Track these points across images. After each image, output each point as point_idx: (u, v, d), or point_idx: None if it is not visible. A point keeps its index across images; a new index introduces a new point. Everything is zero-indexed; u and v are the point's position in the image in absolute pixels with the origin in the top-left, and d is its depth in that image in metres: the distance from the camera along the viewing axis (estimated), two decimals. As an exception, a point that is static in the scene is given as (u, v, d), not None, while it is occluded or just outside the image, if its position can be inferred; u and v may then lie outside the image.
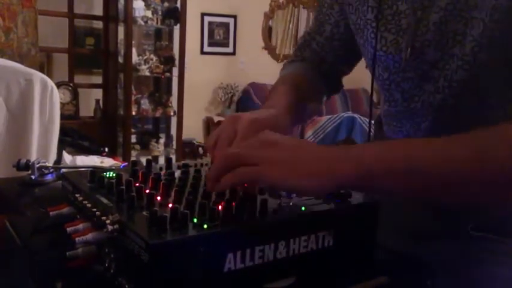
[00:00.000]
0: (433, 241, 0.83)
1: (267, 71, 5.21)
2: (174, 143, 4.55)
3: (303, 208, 0.64)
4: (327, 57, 0.99)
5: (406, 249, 0.75)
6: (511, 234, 0.78)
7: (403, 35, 0.78)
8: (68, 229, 0.61)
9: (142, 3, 4.12)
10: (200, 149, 4.98)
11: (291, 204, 0.65)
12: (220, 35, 5.29)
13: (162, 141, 4.53)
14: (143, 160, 0.82)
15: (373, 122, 0.99)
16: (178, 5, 4.25)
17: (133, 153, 4.27)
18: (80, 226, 0.62)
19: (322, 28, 0.97)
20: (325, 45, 0.98)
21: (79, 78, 4.24)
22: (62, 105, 3.57)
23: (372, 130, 0.99)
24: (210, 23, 5.20)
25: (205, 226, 0.56)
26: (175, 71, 4.32)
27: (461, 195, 0.59)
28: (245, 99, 5.20)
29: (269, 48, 5.51)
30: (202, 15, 5.13)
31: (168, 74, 4.34)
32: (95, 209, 0.62)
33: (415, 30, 0.76)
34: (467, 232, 0.80)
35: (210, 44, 5.23)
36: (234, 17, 5.30)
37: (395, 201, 0.87)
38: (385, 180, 0.58)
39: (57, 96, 1.99)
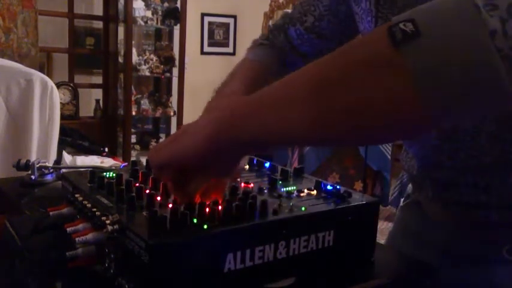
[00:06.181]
0: (462, 262, 0.77)
1: (267, 71, 5.21)
2: (174, 143, 4.53)
3: (303, 208, 0.64)
4: (300, 48, 0.95)
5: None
6: None
7: None
8: (68, 229, 0.61)
9: (142, 3, 4.11)
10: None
11: (291, 204, 0.65)
12: (220, 35, 5.29)
13: (162, 141, 4.53)
14: (143, 160, 0.82)
15: None
16: (178, 5, 4.25)
17: (133, 153, 4.27)
18: (80, 226, 0.62)
19: (304, 17, 0.94)
20: (302, 35, 0.94)
21: (79, 78, 4.23)
22: (62, 105, 3.56)
23: None
24: (210, 23, 5.20)
25: (205, 226, 0.56)
26: (175, 71, 4.31)
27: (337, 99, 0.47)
28: (245, 99, 5.18)
29: (269, 48, 5.51)
30: (202, 15, 5.13)
31: (168, 74, 4.34)
32: (95, 209, 0.62)
33: None
34: (502, 256, 0.73)
35: (210, 44, 5.23)
36: (234, 17, 5.30)
37: (427, 215, 0.83)
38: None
39: (57, 96, 1.99)
